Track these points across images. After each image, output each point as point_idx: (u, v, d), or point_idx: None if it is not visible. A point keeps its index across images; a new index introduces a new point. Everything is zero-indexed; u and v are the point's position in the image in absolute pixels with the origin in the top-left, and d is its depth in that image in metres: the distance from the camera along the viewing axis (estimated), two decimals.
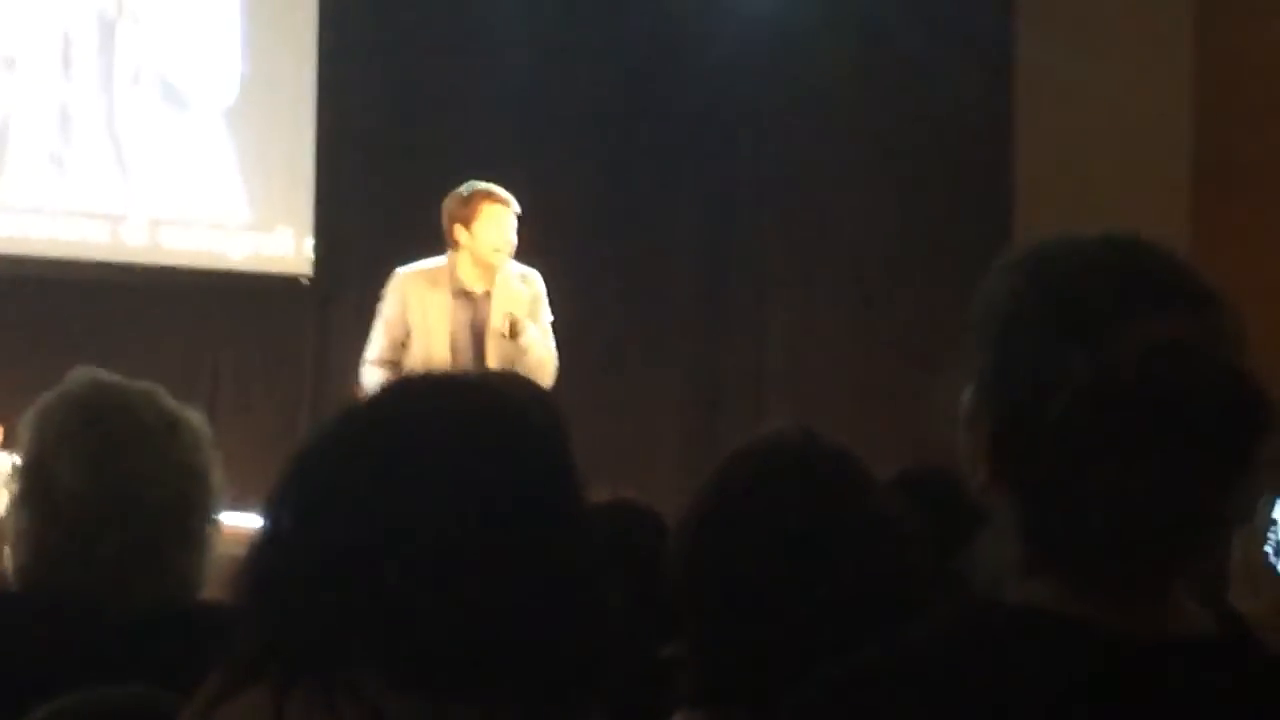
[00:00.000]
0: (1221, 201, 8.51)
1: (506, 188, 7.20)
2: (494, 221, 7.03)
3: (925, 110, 9.48)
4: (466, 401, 1.70)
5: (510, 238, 7.07)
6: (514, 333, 7.01)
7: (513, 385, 1.75)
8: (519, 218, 7.12)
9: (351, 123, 9.44)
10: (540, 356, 7.03)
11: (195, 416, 2.70)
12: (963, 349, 1.56)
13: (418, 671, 1.61)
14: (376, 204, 9.18)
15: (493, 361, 7.00)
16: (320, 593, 1.63)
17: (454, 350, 7.07)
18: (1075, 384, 1.48)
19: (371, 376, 7.12)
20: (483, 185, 7.13)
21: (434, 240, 7.28)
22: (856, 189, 9.67)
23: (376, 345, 7.22)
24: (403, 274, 7.23)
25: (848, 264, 9.70)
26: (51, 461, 2.59)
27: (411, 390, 1.74)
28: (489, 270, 7.11)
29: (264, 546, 1.72)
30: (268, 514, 1.73)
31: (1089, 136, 8.86)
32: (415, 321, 7.13)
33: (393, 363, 7.14)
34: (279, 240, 9.30)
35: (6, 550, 2.64)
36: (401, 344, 7.16)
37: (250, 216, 9.28)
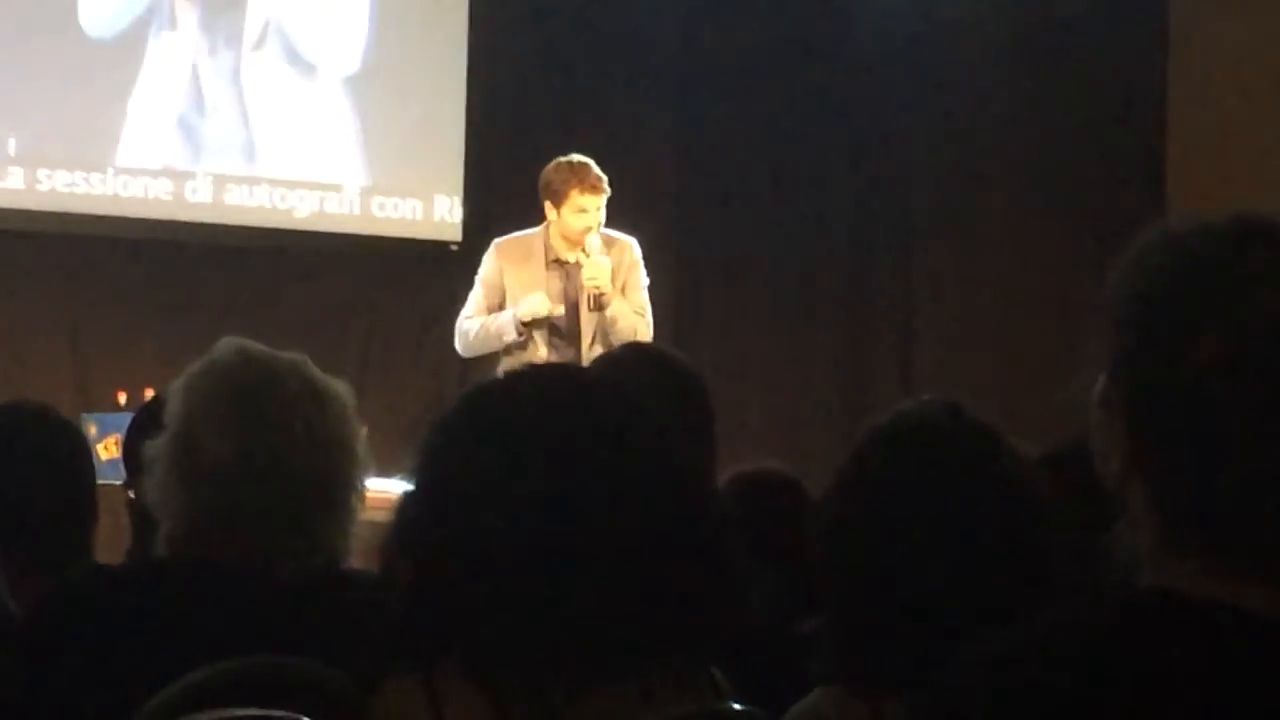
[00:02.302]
0: None
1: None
2: (579, 209, 7.08)
3: (1079, 74, 9.38)
4: (592, 395, 1.72)
5: (593, 222, 7.09)
6: (599, 305, 7.07)
7: (644, 366, 1.76)
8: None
9: (498, 88, 9.46)
10: (631, 324, 7.07)
11: (341, 386, 2.73)
12: (1095, 337, 1.55)
13: (552, 653, 1.62)
14: (525, 170, 9.20)
15: (586, 331, 7.11)
16: (456, 576, 1.65)
17: (549, 318, 7.14)
18: (1206, 357, 1.47)
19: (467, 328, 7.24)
20: (579, 165, 7.13)
21: None
22: (1008, 154, 9.59)
23: (473, 306, 7.29)
24: (499, 243, 7.32)
25: (999, 231, 9.61)
26: (199, 431, 2.62)
27: (539, 380, 1.76)
28: (577, 241, 7.16)
29: (405, 524, 1.74)
30: (408, 491, 1.76)
31: (1244, 98, 8.72)
32: (512, 289, 7.19)
33: None
34: (428, 207, 9.35)
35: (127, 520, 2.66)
36: (499, 308, 7.23)
37: (403, 183, 9.33)
